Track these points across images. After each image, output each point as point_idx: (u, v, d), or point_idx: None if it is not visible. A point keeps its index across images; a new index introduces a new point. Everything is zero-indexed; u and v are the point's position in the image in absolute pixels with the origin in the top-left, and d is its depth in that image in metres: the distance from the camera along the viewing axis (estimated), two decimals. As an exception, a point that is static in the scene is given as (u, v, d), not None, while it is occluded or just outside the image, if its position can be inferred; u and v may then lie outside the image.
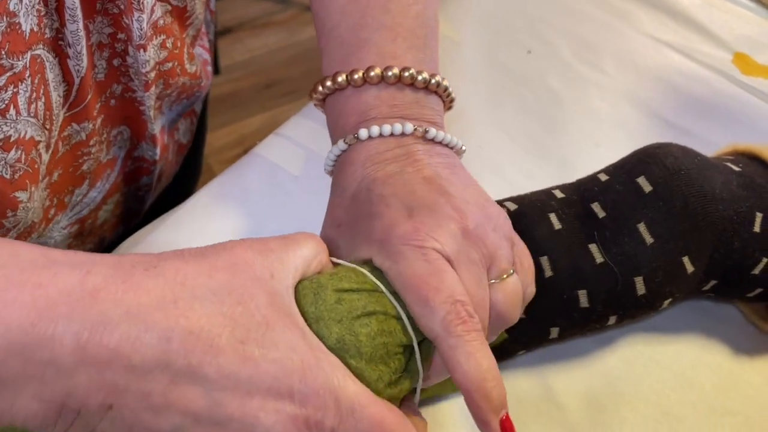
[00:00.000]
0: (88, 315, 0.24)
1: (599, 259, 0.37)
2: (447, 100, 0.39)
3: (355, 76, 0.36)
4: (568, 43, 0.59)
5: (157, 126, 0.49)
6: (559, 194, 0.39)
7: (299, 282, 0.29)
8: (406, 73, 0.36)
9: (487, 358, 0.29)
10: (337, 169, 0.37)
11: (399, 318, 0.30)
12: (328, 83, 0.37)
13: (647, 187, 0.37)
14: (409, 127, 0.35)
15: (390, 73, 0.36)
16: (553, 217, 0.38)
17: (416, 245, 0.30)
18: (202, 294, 0.25)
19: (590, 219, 0.38)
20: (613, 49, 0.59)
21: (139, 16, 0.40)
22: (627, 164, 0.39)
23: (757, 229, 0.38)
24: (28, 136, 0.36)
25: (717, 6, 0.63)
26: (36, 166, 0.39)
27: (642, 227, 0.37)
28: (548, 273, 0.37)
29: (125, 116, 0.46)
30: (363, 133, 0.35)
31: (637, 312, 0.38)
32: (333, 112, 0.39)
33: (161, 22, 0.43)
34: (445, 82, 0.38)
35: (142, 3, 0.40)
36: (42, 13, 0.35)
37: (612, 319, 0.38)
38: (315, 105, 0.41)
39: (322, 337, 0.28)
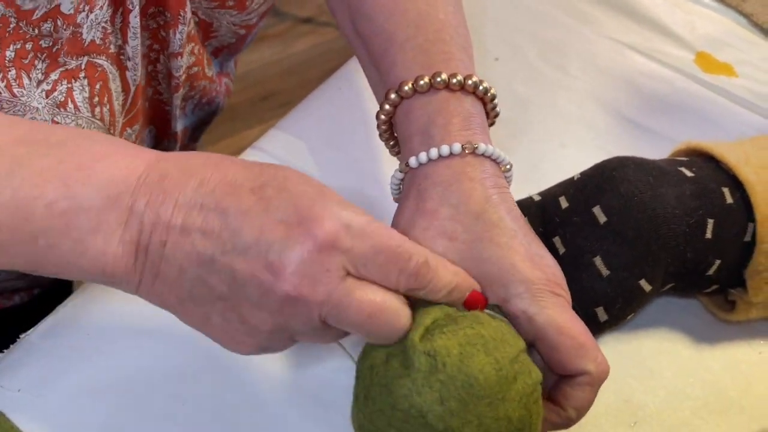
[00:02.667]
0: (155, 171, 0.31)
1: None
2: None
3: (453, 80, 0.37)
4: (535, 47, 0.61)
5: (179, 125, 0.53)
6: None
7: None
8: (489, 93, 0.39)
9: None
10: (445, 176, 0.37)
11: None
12: (422, 82, 0.38)
13: (602, 218, 0.39)
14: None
15: (482, 87, 0.38)
16: None
17: (557, 293, 0.35)
18: (234, 161, 0.32)
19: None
20: (578, 52, 0.61)
21: (182, 29, 0.45)
22: (585, 189, 0.41)
23: (709, 235, 0.40)
24: None
25: (679, 6, 0.65)
26: None
27: (598, 260, 0.39)
28: None
29: (152, 116, 0.51)
30: (482, 147, 0.37)
31: (603, 333, 0.41)
32: (424, 112, 0.38)
33: (193, 32, 0.47)
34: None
35: (186, 17, 0.44)
36: (108, 31, 0.41)
37: None
38: (383, 108, 0.40)
39: None
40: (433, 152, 0.37)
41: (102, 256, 0.30)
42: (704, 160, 0.43)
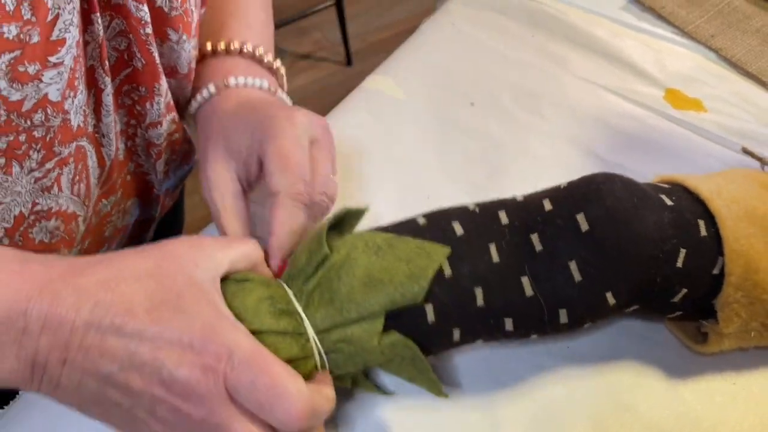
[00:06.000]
0: (48, 294, 0.32)
1: (529, 292, 0.40)
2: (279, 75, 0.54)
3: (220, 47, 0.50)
4: (508, 92, 0.63)
5: (161, 189, 0.56)
6: (504, 218, 0.42)
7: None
8: (258, 51, 0.51)
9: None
10: (207, 112, 0.49)
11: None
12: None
13: (584, 226, 0.40)
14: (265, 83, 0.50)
15: (246, 48, 0.51)
16: (493, 248, 0.40)
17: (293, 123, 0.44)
18: (130, 275, 0.33)
19: (528, 250, 0.40)
20: (551, 94, 0.63)
21: (159, 100, 0.47)
22: (572, 196, 0.42)
23: (679, 264, 0.41)
24: (70, 210, 0.45)
25: (650, 45, 0.67)
26: (73, 235, 0.47)
27: (573, 265, 0.39)
28: (480, 302, 0.40)
29: (136, 188, 0.53)
30: (231, 80, 0.49)
31: (558, 333, 0.42)
32: (199, 73, 0.51)
33: (171, 103, 0.50)
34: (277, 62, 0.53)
35: (162, 89, 0.47)
36: (86, 113, 0.43)
37: (534, 337, 0.42)
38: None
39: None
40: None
41: None
42: (683, 190, 0.44)
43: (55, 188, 0.43)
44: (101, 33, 0.42)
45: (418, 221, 0.42)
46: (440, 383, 0.40)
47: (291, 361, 0.36)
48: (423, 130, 0.60)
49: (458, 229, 0.41)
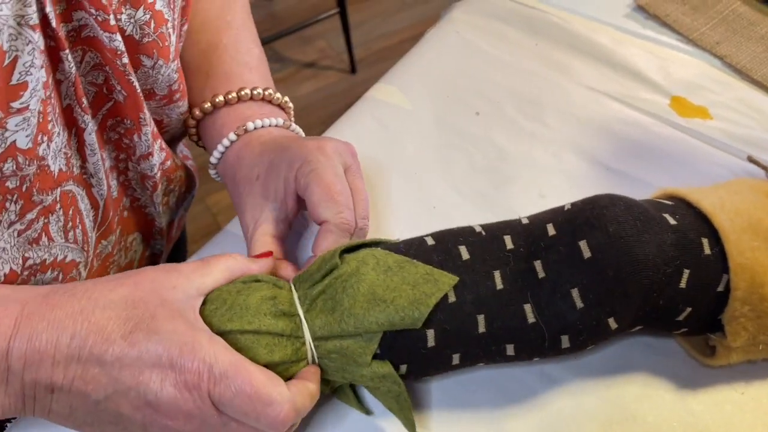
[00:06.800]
0: (26, 331, 0.33)
1: (531, 319, 0.40)
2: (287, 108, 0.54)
3: (230, 96, 0.50)
4: (513, 101, 0.63)
5: (164, 221, 0.55)
6: (509, 243, 0.42)
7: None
8: (267, 92, 0.52)
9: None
10: (231, 160, 0.49)
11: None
12: (217, 100, 0.51)
13: (586, 253, 0.40)
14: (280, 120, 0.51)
15: (256, 92, 0.51)
16: (497, 275, 0.41)
17: (328, 156, 0.45)
18: (103, 304, 0.34)
19: (531, 277, 0.41)
20: (554, 103, 0.62)
21: (146, 130, 0.46)
22: (574, 221, 0.42)
23: (683, 285, 0.41)
24: (68, 259, 0.43)
25: (654, 52, 0.67)
26: None
27: (575, 292, 0.40)
28: (482, 329, 0.40)
29: (136, 223, 0.53)
30: (250, 125, 0.49)
31: (561, 357, 0.42)
32: (215, 124, 0.51)
33: (155, 130, 0.49)
34: (285, 97, 0.54)
35: (146, 118, 0.46)
36: (69, 155, 0.42)
37: (535, 360, 0.42)
38: (191, 124, 0.53)
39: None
40: (249, 125, 0.49)
41: None
42: (687, 206, 0.44)
43: (44, 239, 0.41)
44: (73, 70, 0.40)
45: (426, 242, 0.42)
46: (415, 426, 0.41)
47: (283, 363, 0.37)
48: (428, 139, 0.60)
49: (464, 253, 0.41)
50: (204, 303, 0.38)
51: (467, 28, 0.71)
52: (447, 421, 0.43)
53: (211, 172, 0.53)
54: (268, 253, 0.42)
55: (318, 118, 1.89)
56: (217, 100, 0.51)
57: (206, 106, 0.51)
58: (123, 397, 0.33)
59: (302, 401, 0.36)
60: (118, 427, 0.35)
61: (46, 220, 0.41)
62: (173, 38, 0.47)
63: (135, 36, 0.43)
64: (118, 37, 0.41)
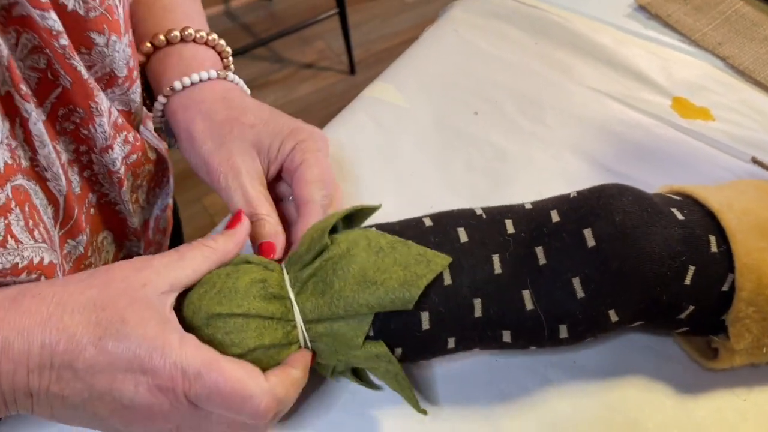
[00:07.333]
0: None
1: (529, 306, 0.39)
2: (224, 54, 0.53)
3: (185, 33, 0.49)
4: (512, 100, 0.62)
5: (137, 220, 0.52)
6: (510, 228, 0.41)
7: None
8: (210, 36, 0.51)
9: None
10: (205, 93, 0.48)
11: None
12: (161, 37, 0.49)
13: (591, 242, 0.39)
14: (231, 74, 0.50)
15: (199, 35, 0.50)
16: (496, 259, 0.40)
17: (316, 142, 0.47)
18: (72, 308, 0.33)
19: (531, 263, 0.39)
20: (555, 103, 0.62)
21: (101, 121, 0.43)
22: (580, 209, 0.40)
23: (687, 281, 0.40)
24: (46, 262, 0.40)
25: (656, 53, 0.66)
26: None
27: (576, 281, 0.38)
28: (478, 313, 0.39)
29: (105, 221, 0.50)
30: (231, 75, 0.49)
31: (558, 347, 0.41)
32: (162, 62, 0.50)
33: (119, 121, 0.46)
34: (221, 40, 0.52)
35: (101, 108, 0.43)
36: (13, 147, 0.38)
37: (532, 348, 0.41)
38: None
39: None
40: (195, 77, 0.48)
41: None
42: (694, 203, 0.43)
43: (11, 241, 0.37)
44: (5, 53, 0.36)
45: (424, 222, 0.41)
46: (418, 402, 0.40)
47: (273, 347, 0.37)
48: (425, 138, 0.59)
49: (463, 235, 0.40)
50: (195, 285, 0.38)
51: (466, 26, 0.70)
52: (440, 418, 0.43)
53: (158, 108, 0.50)
54: (238, 215, 0.41)
55: (316, 119, 1.88)
56: (146, 46, 0.50)
57: (161, 38, 0.50)
58: (99, 401, 0.33)
59: (283, 390, 0.36)
60: (103, 422, 0.35)
61: (6, 221, 0.37)
62: (120, 9, 0.43)
63: (79, 11, 0.39)
64: (53, 15, 0.37)
